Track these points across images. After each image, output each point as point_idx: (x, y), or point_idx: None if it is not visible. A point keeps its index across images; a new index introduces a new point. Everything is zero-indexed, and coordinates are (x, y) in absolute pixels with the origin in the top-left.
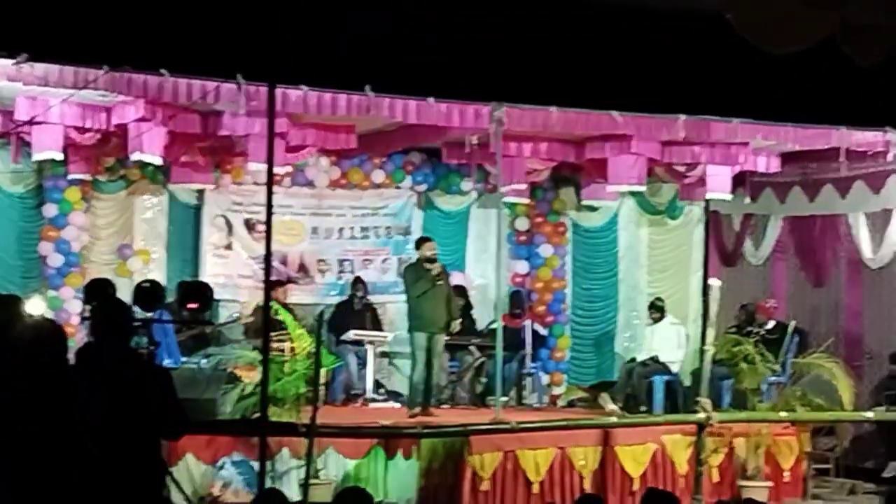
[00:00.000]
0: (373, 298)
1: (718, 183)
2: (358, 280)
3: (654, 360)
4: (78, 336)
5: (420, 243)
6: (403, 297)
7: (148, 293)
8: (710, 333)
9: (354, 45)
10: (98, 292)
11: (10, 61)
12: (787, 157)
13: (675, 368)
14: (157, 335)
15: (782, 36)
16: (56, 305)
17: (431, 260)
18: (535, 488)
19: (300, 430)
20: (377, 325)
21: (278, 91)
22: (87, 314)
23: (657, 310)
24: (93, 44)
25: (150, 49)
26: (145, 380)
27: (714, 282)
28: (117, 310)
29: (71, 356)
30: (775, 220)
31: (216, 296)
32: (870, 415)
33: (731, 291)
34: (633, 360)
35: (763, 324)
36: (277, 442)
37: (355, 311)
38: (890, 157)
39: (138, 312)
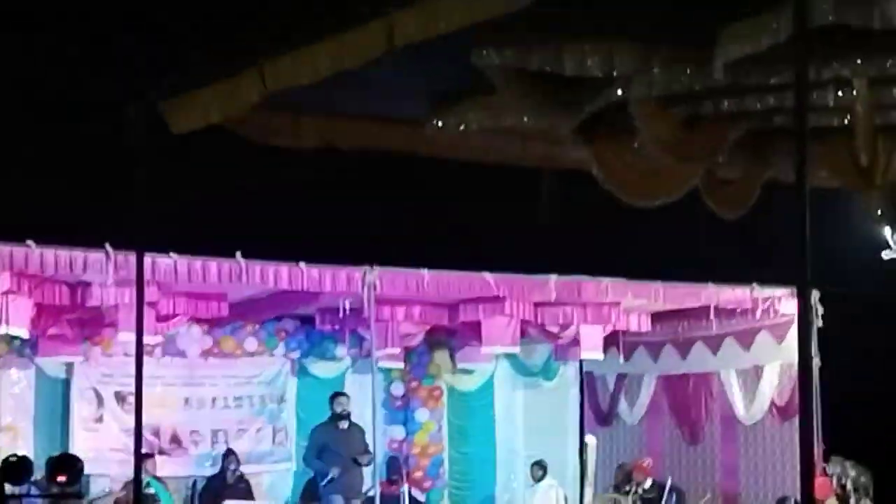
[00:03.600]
0: (248, 468)
1: (591, 343)
2: (230, 452)
3: None
4: None
5: (332, 399)
6: (280, 465)
7: (15, 467)
8: (588, 493)
9: (224, 210)
10: None
11: None
12: (658, 317)
13: None
14: None
15: (648, 189)
16: None
17: (342, 416)
18: None
19: None
20: (250, 496)
21: (147, 259)
22: None
23: (538, 470)
24: None
25: (14, 220)
26: None
27: (590, 439)
28: None
29: None
30: (649, 379)
31: (87, 470)
32: None
33: (608, 451)
34: None
35: (640, 483)
36: None
37: (228, 483)
38: (758, 313)
39: (7, 488)
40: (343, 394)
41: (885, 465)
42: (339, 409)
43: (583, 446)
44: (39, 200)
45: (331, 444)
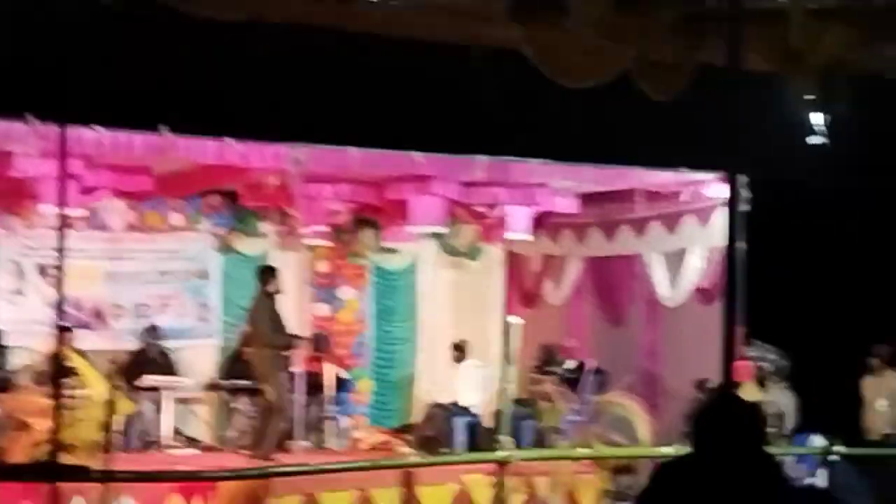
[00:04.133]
0: (170, 343)
1: (518, 224)
2: (152, 327)
3: (456, 403)
4: None
5: (267, 275)
6: (203, 340)
7: None
8: (511, 372)
9: (150, 83)
10: None
11: None
12: (586, 199)
13: (476, 411)
14: None
15: (579, 70)
16: None
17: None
18: None
19: (94, 475)
20: (172, 370)
21: (70, 131)
22: None
23: (459, 350)
24: None
25: None
26: None
27: (514, 319)
28: None
29: None
30: (574, 261)
31: (6, 342)
32: (669, 450)
33: (532, 332)
34: (435, 403)
35: (563, 363)
36: (71, 490)
37: (150, 357)
38: (685, 197)
39: None
40: (276, 268)
41: (803, 351)
42: (279, 286)
43: (507, 326)
44: None
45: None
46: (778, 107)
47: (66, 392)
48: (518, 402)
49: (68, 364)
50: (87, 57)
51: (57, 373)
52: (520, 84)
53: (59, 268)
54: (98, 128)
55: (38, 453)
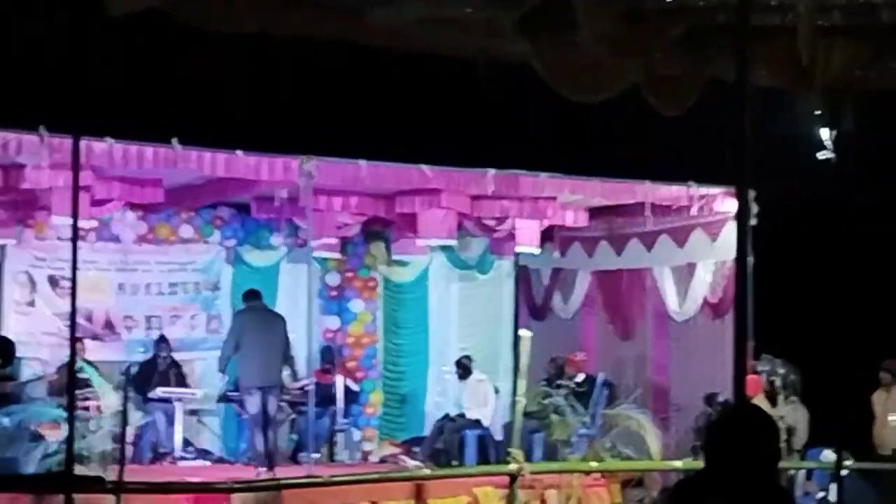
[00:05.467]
0: (181, 355)
1: (527, 237)
2: (162, 338)
3: (465, 416)
4: None
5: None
6: (213, 352)
7: None
8: (521, 386)
9: (161, 96)
10: None
11: None
12: (595, 212)
13: (486, 423)
14: None
15: (588, 84)
16: None
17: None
18: None
19: (108, 485)
20: (183, 382)
21: (83, 143)
22: None
23: (461, 368)
24: None
25: None
26: None
27: (524, 332)
28: None
29: None
30: (583, 275)
31: (18, 353)
32: (678, 464)
33: (541, 345)
34: (445, 415)
35: (572, 377)
36: (84, 501)
37: (160, 369)
38: (693, 211)
39: None
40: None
41: (813, 364)
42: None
43: (517, 339)
44: None
45: None
46: (786, 122)
47: (78, 403)
48: (528, 415)
49: (80, 375)
50: (99, 70)
51: (69, 384)
52: (529, 98)
53: (70, 279)
54: (110, 140)
55: (52, 465)
